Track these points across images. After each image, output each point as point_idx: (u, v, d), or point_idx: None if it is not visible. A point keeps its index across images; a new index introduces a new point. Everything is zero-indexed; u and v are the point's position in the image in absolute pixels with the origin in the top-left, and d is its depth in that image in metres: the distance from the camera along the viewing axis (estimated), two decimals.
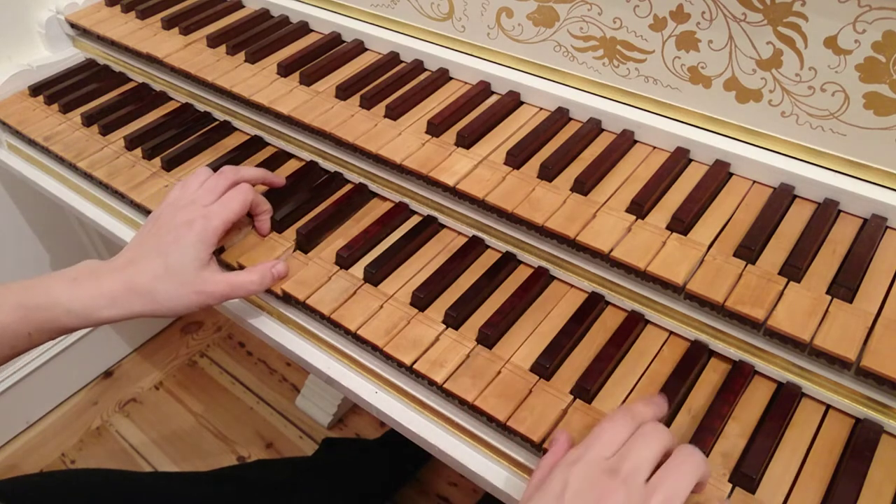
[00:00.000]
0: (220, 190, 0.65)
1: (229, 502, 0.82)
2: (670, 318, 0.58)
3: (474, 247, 0.66)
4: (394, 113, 0.74)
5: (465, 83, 0.79)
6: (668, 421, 0.52)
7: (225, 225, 0.63)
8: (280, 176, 0.73)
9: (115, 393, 1.37)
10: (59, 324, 0.59)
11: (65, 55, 0.97)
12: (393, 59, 0.82)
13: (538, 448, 0.52)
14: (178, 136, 0.82)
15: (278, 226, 0.69)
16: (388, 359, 0.58)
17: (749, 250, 0.57)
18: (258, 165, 0.76)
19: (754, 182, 0.64)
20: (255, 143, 0.80)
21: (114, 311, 0.60)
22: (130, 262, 0.61)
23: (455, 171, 0.66)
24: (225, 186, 0.65)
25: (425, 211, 0.70)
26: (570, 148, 0.68)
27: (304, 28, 0.89)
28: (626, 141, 0.69)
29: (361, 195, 0.73)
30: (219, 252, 0.67)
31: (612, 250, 0.58)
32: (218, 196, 0.64)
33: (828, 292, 0.54)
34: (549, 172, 0.66)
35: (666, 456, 0.45)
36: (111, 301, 0.59)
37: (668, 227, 0.60)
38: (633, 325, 0.59)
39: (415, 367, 0.56)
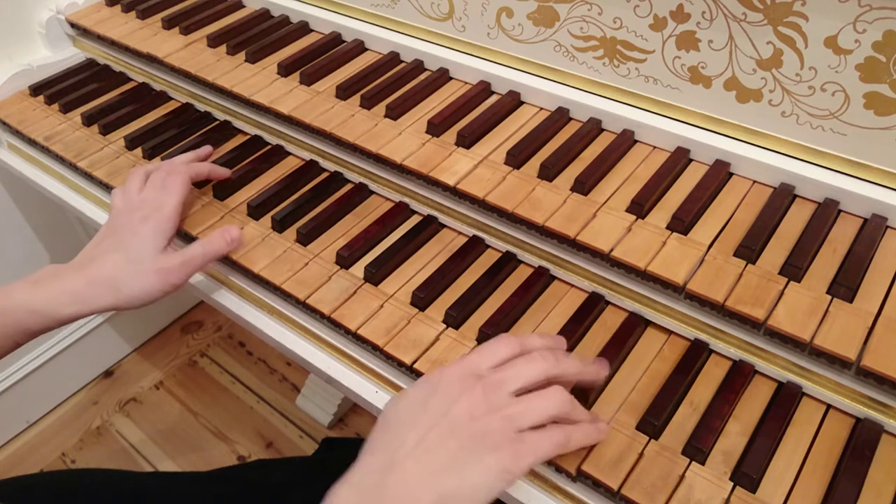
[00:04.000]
0: (161, 184, 0.68)
1: (229, 502, 0.81)
2: (670, 318, 0.58)
3: (474, 246, 0.66)
4: (394, 113, 0.74)
5: (466, 83, 0.79)
6: (668, 418, 0.52)
7: (176, 209, 0.66)
8: (207, 147, 0.76)
9: (115, 393, 1.37)
10: (22, 326, 0.60)
11: (65, 55, 0.97)
12: (393, 59, 0.82)
13: None
14: (179, 135, 0.82)
15: (278, 225, 0.69)
16: (388, 358, 0.58)
17: (749, 250, 0.57)
18: (258, 165, 0.76)
19: (754, 182, 0.64)
20: (255, 143, 0.80)
21: (77, 307, 0.60)
22: (91, 259, 0.63)
23: (455, 171, 0.66)
24: (164, 179, 0.69)
25: (425, 211, 0.70)
26: (571, 148, 0.68)
27: (304, 28, 0.89)
28: (626, 141, 0.69)
29: (361, 195, 0.73)
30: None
31: (612, 250, 0.58)
32: (162, 188, 0.68)
33: (828, 292, 0.54)
34: (549, 172, 0.66)
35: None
36: (74, 297, 0.60)
37: (668, 227, 0.60)
38: (633, 324, 0.59)
39: (415, 366, 0.56)
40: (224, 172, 0.74)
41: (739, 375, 0.55)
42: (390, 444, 0.45)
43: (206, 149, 0.77)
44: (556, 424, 0.47)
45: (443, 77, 0.79)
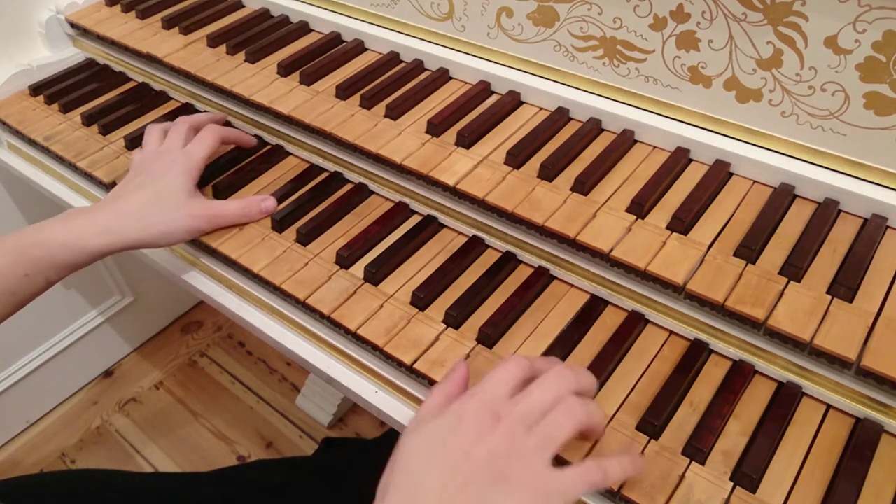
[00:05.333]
0: (183, 135, 0.70)
1: (229, 502, 0.81)
2: (670, 318, 0.58)
3: (474, 246, 0.66)
4: (394, 113, 0.74)
5: (465, 83, 0.79)
6: (668, 418, 0.52)
7: (205, 159, 0.69)
8: (222, 114, 0.78)
9: (115, 393, 1.37)
10: (53, 260, 0.61)
11: (65, 55, 0.96)
12: (393, 58, 0.82)
13: None
14: None
15: (278, 225, 0.69)
16: (388, 358, 0.58)
17: (749, 250, 0.57)
18: (258, 165, 0.76)
19: (754, 182, 0.64)
20: None
21: (107, 239, 0.62)
22: (119, 196, 0.65)
23: (455, 171, 0.66)
24: (186, 131, 0.71)
25: (425, 211, 0.70)
26: (570, 148, 0.68)
27: (304, 28, 0.89)
28: (626, 141, 0.69)
29: (361, 195, 0.73)
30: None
31: (612, 250, 0.58)
32: (184, 140, 0.70)
33: (828, 292, 0.54)
34: (549, 172, 0.66)
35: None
36: (104, 229, 0.62)
37: (668, 227, 0.60)
38: (633, 324, 0.59)
39: (415, 366, 0.56)
40: (251, 141, 0.77)
41: (739, 375, 0.55)
42: (407, 490, 0.43)
43: (222, 115, 0.79)
44: (593, 460, 0.45)
45: (443, 77, 0.79)
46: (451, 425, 0.45)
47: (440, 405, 0.48)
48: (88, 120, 0.85)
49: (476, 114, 0.73)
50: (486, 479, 0.42)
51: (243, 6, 0.95)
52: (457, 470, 0.43)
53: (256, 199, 0.69)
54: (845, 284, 0.53)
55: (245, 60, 0.83)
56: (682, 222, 0.59)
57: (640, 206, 0.61)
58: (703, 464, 0.49)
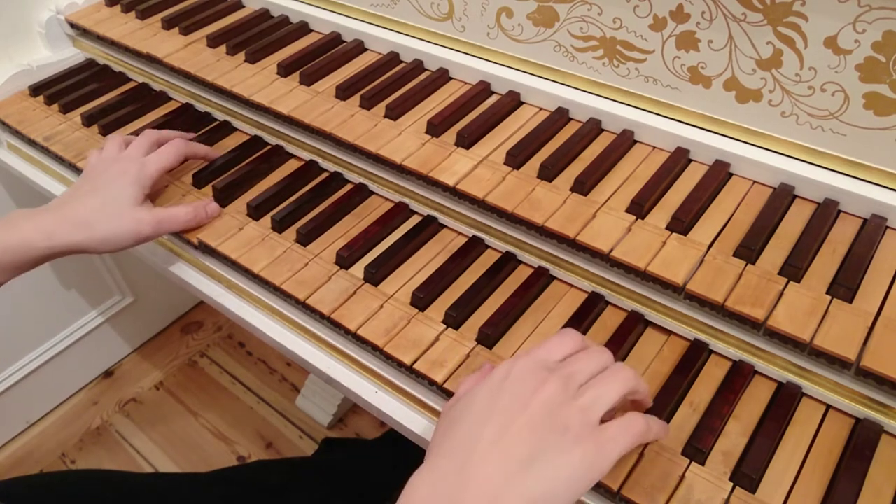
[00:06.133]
0: (145, 147, 0.71)
1: (229, 502, 0.82)
2: (670, 318, 0.58)
3: (474, 247, 0.66)
4: (394, 113, 0.74)
5: (465, 83, 0.79)
6: (668, 418, 0.52)
7: (160, 173, 0.69)
8: (190, 135, 0.79)
9: (115, 393, 1.37)
10: None
11: (65, 55, 0.97)
12: (393, 59, 0.82)
13: None
14: None
15: (278, 225, 0.69)
16: (388, 359, 0.58)
17: (749, 250, 0.57)
18: (258, 165, 0.76)
19: (754, 182, 0.64)
20: (255, 143, 0.80)
21: (51, 243, 0.63)
22: (66, 202, 0.65)
23: (455, 171, 0.66)
24: (149, 143, 0.71)
25: (425, 211, 0.70)
26: (570, 148, 0.68)
27: (304, 28, 0.89)
28: (626, 141, 0.69)
29: (361, 195, 0.73)
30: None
31: (611, 250, 0.58)
32: (145, 152, 0.70)
33: (828, 292, 0.54)
34: (549, 172, 0.66)
35: None
36: (48, 235, 0.63)
37: (668, 227, 0.60)
38: (633, 325, 0.59)
39: (415, 366, 0.56)
40: (214, 154, 0.77)
41: (739, 376, 0.55)
42: (463, 442, 0.42)
43: (191, 135, 0.80)
44: (634, 413, 0.46)
45: (443, 77, 0.79)
46: (502, 381, 0.45)
47: (470, 388, 0.48)
48: (88, 120, 0.85)
49: (476, 114, 0.73)
50: (543, 431, 0.42)
51: (243, 6, 0.95)
52: (512, 421, 0.42)
53: (202, 203, 0.69)
54: (845, 285, 0.53)
55: (245, 61, 0.83)
56: (682, 222, 0.59)
57: (640, 207, 0.61)
58: (702, 464, 0.50)
